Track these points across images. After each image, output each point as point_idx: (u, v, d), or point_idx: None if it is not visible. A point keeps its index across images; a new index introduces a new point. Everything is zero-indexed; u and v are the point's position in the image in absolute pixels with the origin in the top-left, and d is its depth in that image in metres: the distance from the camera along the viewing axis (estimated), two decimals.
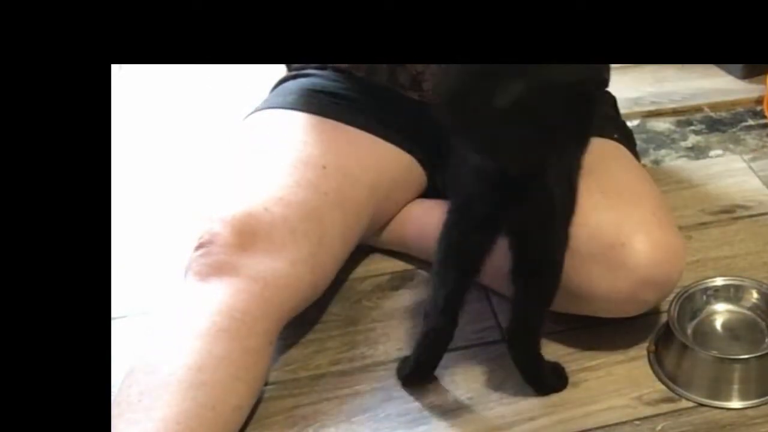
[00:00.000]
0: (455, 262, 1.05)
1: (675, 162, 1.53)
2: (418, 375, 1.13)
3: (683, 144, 1.58)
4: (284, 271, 1.08)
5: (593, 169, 1.13)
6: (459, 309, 1.06)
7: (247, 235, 1.08)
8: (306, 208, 1.12)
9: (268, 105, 1.26)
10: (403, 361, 1.15)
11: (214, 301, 1.04)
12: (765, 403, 1.08)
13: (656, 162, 1.53)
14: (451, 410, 1.10)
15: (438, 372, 1.15)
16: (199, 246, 1.08)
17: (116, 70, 1.81)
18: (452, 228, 1.03)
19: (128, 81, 1.84)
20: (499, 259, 1.16)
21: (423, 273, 1.30)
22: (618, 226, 1.07)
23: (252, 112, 1.29)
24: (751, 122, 1.62)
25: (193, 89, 1.83)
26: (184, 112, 1.77)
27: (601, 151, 1.17)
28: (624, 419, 1.07)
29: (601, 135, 1.22)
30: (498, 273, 1.18)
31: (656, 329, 1.18)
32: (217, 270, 1.06)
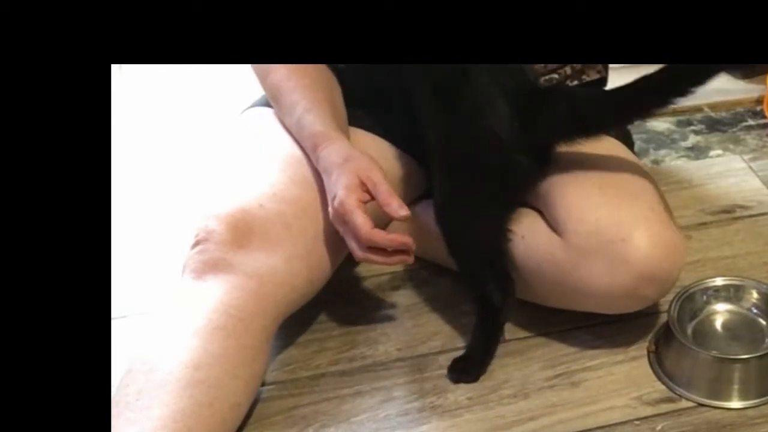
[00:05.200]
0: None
1: (675, 162, 1.53)
2: (480, 369, 1.15)
3: (683, 144, 1.58)
4: (280, 267, 1.08)
5: (592, 165, 1.13)
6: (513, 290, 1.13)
7: (243, 232, 1.08)
8: (301, 204, 1.12)
9: (265, 101, 1.26)
10: (462, 363, 1.15)
11: (210, 298, 1.04)
12: (765, 403, 1.08)
13: (656, 162, 1.53)
14: (451, 410, 1.10)
15: (438, 372, 1.15)
16: (196, 243, 1.08)
17: (116, 70, 1.81)
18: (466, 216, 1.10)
19: (128, 81, 1.84)
20: None
21: (423, 273, 1.30)
22: (618, 221, 1.07)
23: (249, 107, 1.29)
24: (751, 122, 1.62)
25: (192, 89, 1.83)
26: (184, 112, 1.77)
27: (599, 148, 1.18)
28: (624, 419, 1.07)
29: None
30: None
31: (656, 329, 1.18)
32: (212, 267, 1.06)
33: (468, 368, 1.14)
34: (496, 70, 1.08)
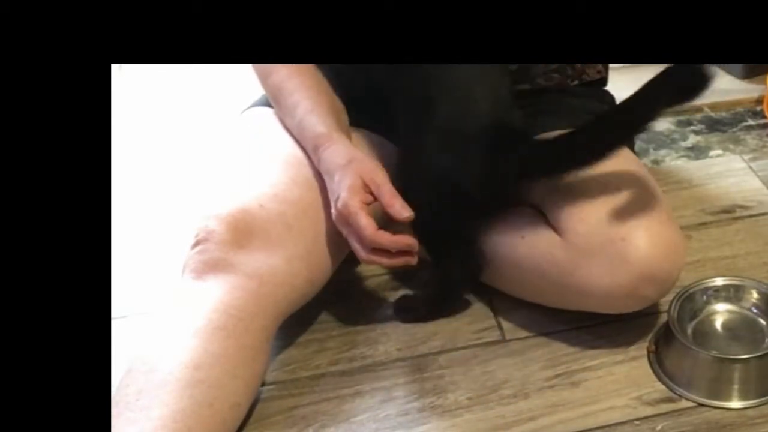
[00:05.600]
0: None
1: (675, 162, 1.53)
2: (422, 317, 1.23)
3: (683, 144, 1.58)
4: (280, 267, 1.08)
5: None
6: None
7: (243, 232, 1.08)
8: (302, 205, 1.12)
9: (265, 101, 1.26)
10: (406, 303, 1.24)
11: (210, 298, 1.04)
12: (765, 403, 1.08)
13: (656, 162, 1.53)
14: (451, 410, 1.10)
15: (438, 372, 1.15)
16: (196, 243, 1.08)
17: (116, 70, 1.81)
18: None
19: (128, 81, 1.84)
20: (500, 258, 1.17)
21: (423, 273, 1.30)
22: (618, 221, 1.07)
23: (250, 107, 1.29)
24: (751, 122, 1.62)
25: (192, 89, 1.83)
26: (184, 112, 1.77)
27: None
28: (624, 419, 1.07)
29: None
30: (497, 273, 1.19)
31: (656, 329, 1.18)
32: (212, 267, 1.06)
33: (409, 311, 1.23)
34: (467, 103, 1.09)
